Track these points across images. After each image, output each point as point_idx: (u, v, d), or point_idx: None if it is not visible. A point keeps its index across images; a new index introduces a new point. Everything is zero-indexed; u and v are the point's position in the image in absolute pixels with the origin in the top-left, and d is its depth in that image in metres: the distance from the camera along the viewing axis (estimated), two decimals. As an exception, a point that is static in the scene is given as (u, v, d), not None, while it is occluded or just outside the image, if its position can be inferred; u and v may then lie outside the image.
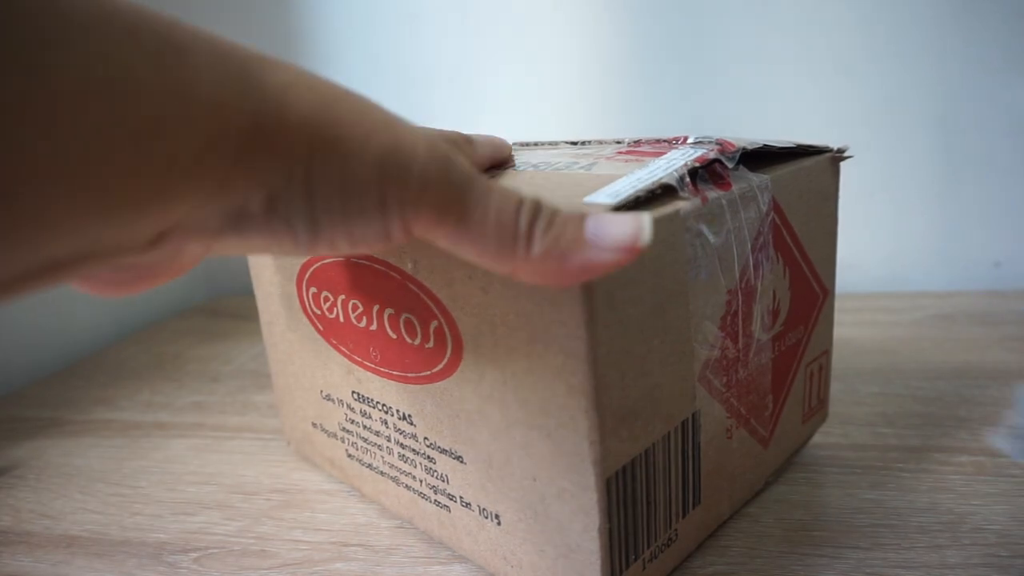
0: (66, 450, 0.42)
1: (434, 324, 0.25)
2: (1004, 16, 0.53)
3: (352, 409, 0.32)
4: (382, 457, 0.31)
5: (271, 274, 0.33)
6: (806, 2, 0.56)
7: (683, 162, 0.24)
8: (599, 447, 0.22)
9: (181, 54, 0.14)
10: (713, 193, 0.24)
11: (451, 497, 0.28)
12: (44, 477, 0.39)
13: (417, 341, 0.26)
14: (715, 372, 0.26)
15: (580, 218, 0.19)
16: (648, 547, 0.25)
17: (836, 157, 0.30)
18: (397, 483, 0.31)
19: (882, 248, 0.61)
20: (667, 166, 0.24)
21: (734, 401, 0.27)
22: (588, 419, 0.21)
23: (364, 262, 0.27)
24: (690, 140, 0.27)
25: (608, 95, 0.61)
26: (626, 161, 0.26)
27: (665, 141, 0.28)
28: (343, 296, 0.29)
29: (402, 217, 0.18)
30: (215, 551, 0.31)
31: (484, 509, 0.26)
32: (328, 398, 0.33)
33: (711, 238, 0.24)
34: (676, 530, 0.26)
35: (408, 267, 0.25)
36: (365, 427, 0.31)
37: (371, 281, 0.27)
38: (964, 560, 0.27)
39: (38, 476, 0.39)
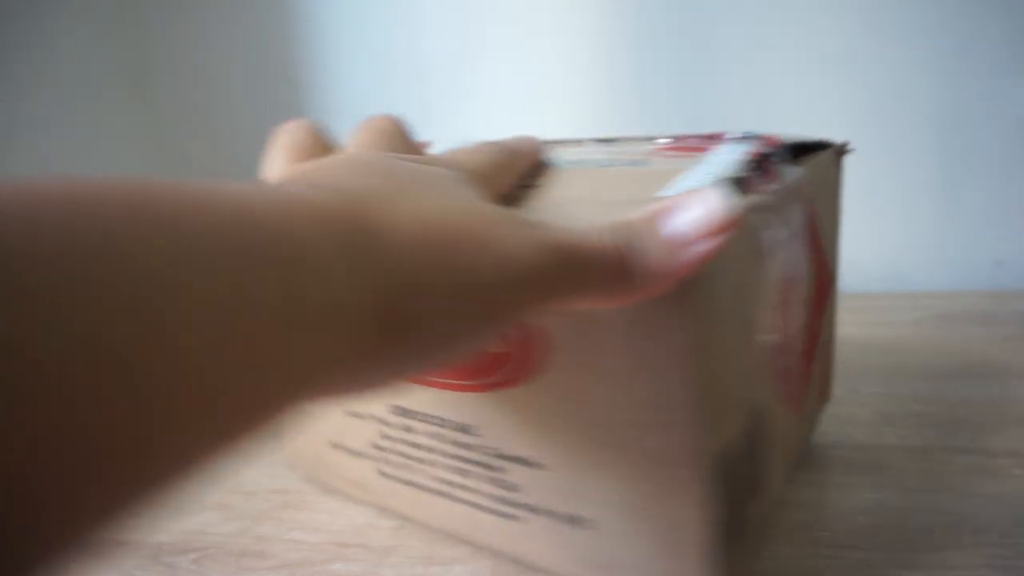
0: (65, 450, 0.41)
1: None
2: (1007, 14, 0.53)
3: (389, 424, 0.30)
4: (429, 472, 0.29)
5: None
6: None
7: (739, 156, 0.25)
8: (708, 438, 0.21)
9: (295, 262, 0.13)
10: (772, 186, 0.24)
11: (523, 507, 0.27)
12: (43, 477, 0.38)
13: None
14: (776, 359, 0.26)
15: (651, 223, 0.19)
16: (745, 536, 0.25)
17: (839, 151, 0.31)
18: (449, 498, 0.29)
19: (883, 248, 0.61)
20: (726, 160, 0.24)
21: (787, 386, 0.28)
22: (698, 411, 0.21)
23: None
24: (731, 136, 0.27)
25: (607, 92, 0.61)
26: (679, 157, 0.26)
27: (703, 137, 0.28)
28: None
29: (522, 318, 0.19)
30: (214, 552, 0.31)
31: (568, 515, 0.25)
32: (355, 415, 0.31)
33: (777, 229, 0.24)
34: (765, 516, 0.26)
35: None
36: (406, 442, 0.29)
37: None
38: (965, 561, 0.26)
39: (37, 476, 0.39)
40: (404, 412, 0.29)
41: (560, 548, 0.26)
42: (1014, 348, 0.45)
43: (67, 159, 0.61)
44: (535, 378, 0.24)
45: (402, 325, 0.16)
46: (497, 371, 0.25)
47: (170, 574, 0.29)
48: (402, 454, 0.30)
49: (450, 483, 0.29)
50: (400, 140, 0.24)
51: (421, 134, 0.28)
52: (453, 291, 0.16)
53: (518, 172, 0.26)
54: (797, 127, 0.58)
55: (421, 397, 0.28)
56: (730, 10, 0.57)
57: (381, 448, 0.31)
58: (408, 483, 0.30)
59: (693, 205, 0.19)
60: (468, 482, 0.28)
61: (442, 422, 0.28)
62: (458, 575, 0.28)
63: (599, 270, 0.19)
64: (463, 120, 0.64)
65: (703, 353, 0.21)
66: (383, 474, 0.31)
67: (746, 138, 0.27)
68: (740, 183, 0.23)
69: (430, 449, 0.29)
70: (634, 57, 0.60)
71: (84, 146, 0.63)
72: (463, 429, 0.27)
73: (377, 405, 0.30)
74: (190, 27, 0.67)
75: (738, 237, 0.22)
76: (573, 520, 0.25)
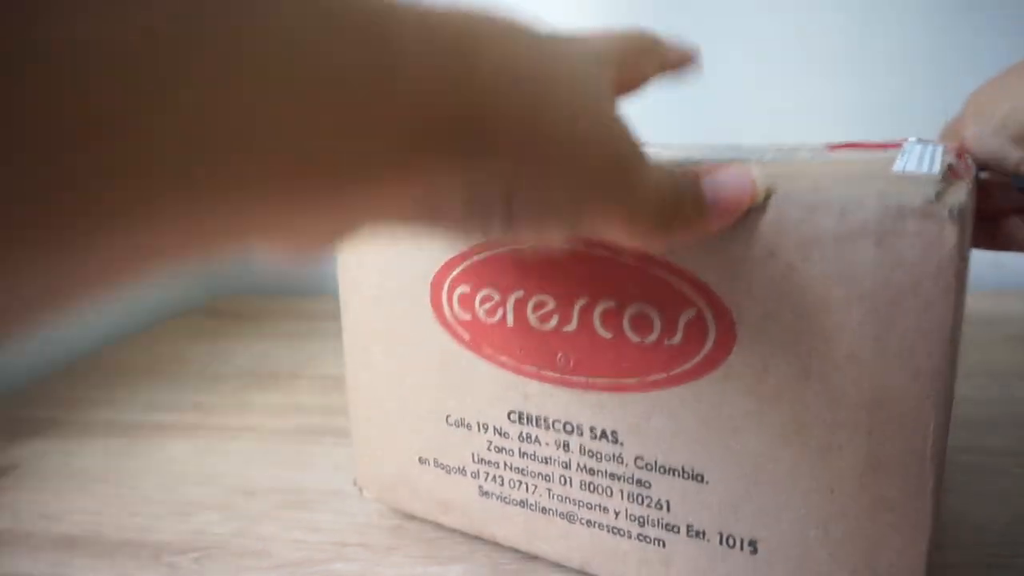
0: (66, 450, 0.41)
1: (688, 314, 0.21)
2: (1007, 14, 0.53)
3: (503, 434, 0.26)
4: (548, 490, 0.26)
5: (380, 279, 0.27)
6: (806, 1, 0.56)
7: (940, 150, 0.23)
8: (938, 443, 0.19)
9: (387, 37, 0.12)
10: (971, 175, 0.23)
11: (670, 528, 0.24)
12: (44, 477, 0.38)
13: (651, 338, 0.22)
14: None
15: (696, 183, 0.19)
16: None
17: None
18: (571, 520, 0.26)
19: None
20: (929, 153, 0.23)
21: None
22: (933, 409, 0.18)
23: (579, 248, 0.22)
24: (912, 140, 0.26)
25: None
26: (868, 152, 0.25)
27: (861, 144, 0.27)
28: (519, 293, 0.24)
29: (601, 225, 0.18)
30: (215, 551, 0.31)
31: (730, 536, 0.22)
32: (460, 424, 0.27)
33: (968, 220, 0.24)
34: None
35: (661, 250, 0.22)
36: (524, 454, 0.26)
37: (579, 271, 0.23)
38: (965, 559, 0.26)
39: (38, 476, 0.39)
40: (525, 418, 0.25)
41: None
42: (1014, 348, 0.45)
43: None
44: (713, 374, 0.21)
45: (460, 160, 0.14)
46: (662, 366, 0.22)
47: (171, 574, 0.29)
48: (516, 469, 0.26)
49: (577, 503, 0.25)
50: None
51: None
52: (535, 162, 0.15)
53: (657, 63, 0.24)
54: (796, 127, 0.58)
55: (553, 400, 0.24)
56: (726, 13, 0.57)
57: (489, 463, 0.27)
58: (521, 504, 0.27)
59: (736, 173, 0.20)
60: (603, 500, 0.25)
61: (575, 428, 0.24)
62: (458, 574, 0.28)
63: (686, 203, 0.19)
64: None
65: (952, 341, 0.18)
66: (485, 493, 0.28)
67: (924, 143, 0.26)
68: (951, 169, 0.22)
69: (549, 461, 0.25)
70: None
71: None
72: (604, 436, 0.24)
73: (491, 410, 0.26)
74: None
75: (964, 220, 0.19)
76: (734, 542, 0.23)
